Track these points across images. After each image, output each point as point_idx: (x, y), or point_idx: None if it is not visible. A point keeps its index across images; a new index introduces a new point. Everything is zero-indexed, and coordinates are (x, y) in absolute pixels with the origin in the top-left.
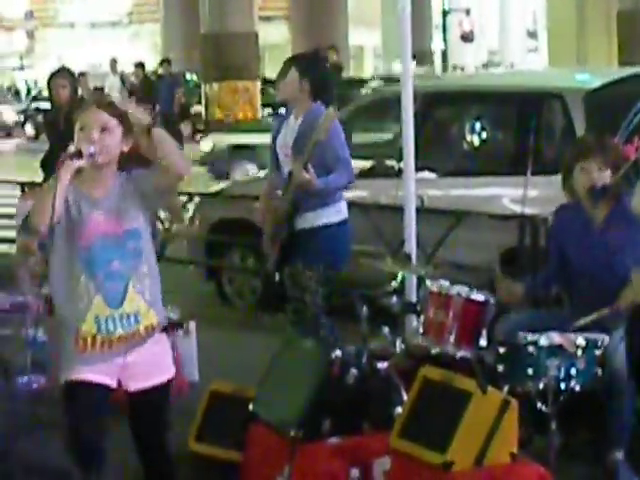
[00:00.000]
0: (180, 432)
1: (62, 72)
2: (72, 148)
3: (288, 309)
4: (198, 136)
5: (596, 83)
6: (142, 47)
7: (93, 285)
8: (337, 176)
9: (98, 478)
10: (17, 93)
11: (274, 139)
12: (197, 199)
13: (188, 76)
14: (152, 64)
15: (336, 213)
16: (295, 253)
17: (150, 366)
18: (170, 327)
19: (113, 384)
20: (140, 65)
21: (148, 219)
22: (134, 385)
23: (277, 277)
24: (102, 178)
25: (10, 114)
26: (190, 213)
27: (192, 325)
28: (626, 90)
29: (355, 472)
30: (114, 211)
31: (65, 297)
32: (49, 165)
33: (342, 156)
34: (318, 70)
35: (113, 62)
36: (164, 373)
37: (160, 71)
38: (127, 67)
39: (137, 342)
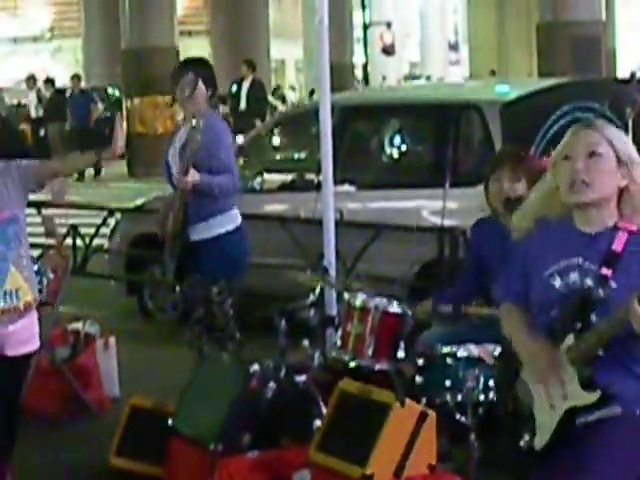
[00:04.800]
0: (101, 447)
1: None
2: None
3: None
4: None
5: (514, 95)
6: (64, 62)
7: None
8: (222, 177)
9: None
10: None
11: (167, 151)
12: (118, 214)
13: (110, 91)
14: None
15: (229, 221)
16: (191, 264)
17: (26, 336)
18: (90, 341)
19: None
20: (49, 81)
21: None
22: (12, 352)
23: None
24: None
25: None
26: (111, 228)
27: (112, 340)
28: (543, 101)
29: None
30: None
31: None
32: None
33: (227, 163)
34: (213, 75)
35: (30, 79)
36: (34, 344)
37: (70, 87)
38: None
39: (18, 316)
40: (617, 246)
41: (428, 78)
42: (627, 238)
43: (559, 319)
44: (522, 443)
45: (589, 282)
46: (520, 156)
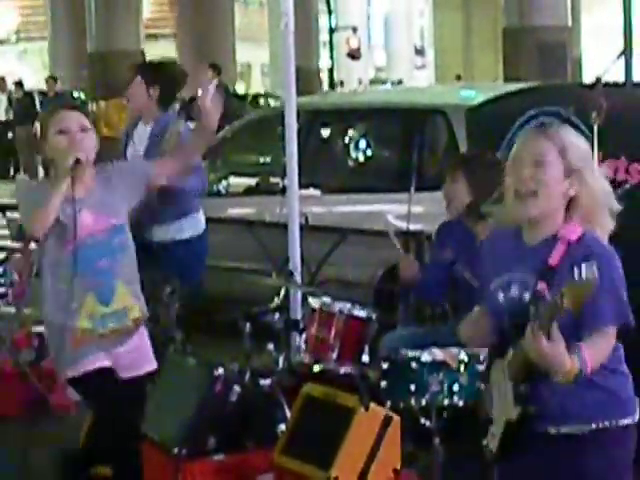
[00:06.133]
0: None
1: None
2: (70, 159)
3: None
4: None
5: (479, 99)
6: (30, 65)
7: (84, 284)
8: (190, 180)
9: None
10: None
11: (124, 148)
12: None
13: (76, 94)
14: (41, 82)
15: (195, 225)
16: (151, 264)
17: (139, 356)
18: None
19: (105, 364)
20: (19, 84)
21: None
22: (126, 374)
23: None
24: (82, 177)
25: None
26: None
27: None
28: (509, 106)
29: None
30: (99, 208)
31: (57, 300)
32: None
33: (194, 162)
34: (166, 76)
35: (0, 80)
36: (151, 363)
37: (45, 89)
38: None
39: (127, 334)
40: (553, 259)
41: (400, 82)
42: (565, 250)
43: (503, 334)
44: (484, 443)
45: (527, 297)
46: (462, 159)
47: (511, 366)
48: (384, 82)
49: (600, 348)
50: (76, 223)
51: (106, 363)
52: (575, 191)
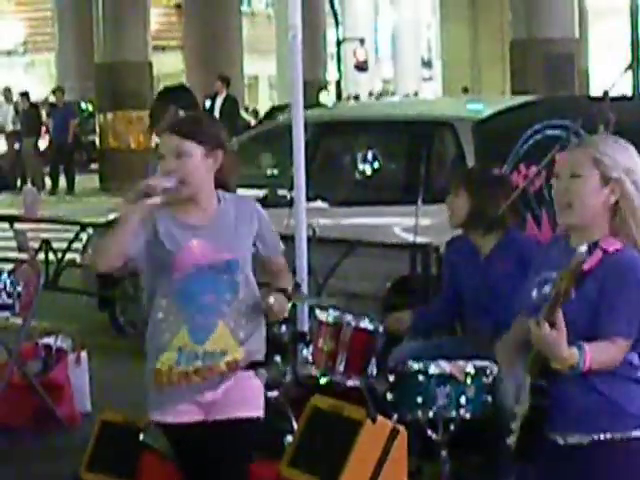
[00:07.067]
0: (72, 462)
1: None
2: (140, 187)
3: None
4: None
5: (486, 112)
6: (38, 76)
7: (181, 317)
8: None
9: None
10: None
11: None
12: (90, 229)
13: (83, 105)
14: (47, 93)
15: None
16: None
17: (237, 399)
18: (62, 355)
19: (196, 419)
20: (25, 94)
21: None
22: (220, 415)
23: None
24: (198, 204)
25: None
26: (83, 243)
27: (83, 355)
28: (516, 119)
29: None
30: (213, 239)
31: (152, 330)
32: None
33: None
34: (191, 101)
35: (7, 91)
36: (256, 409)
37: (52, 100)
38: None
39: (219, 378)
40: (588, 264)
41: (416, 94)
42: (601, 257)
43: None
44: (508, 442)
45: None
46: (465, 173)
47: (531, 360)
48: (388, 94)
49: (605, 352)
50: (180, 251)
51: (199, 417)
52: (616, 199)
